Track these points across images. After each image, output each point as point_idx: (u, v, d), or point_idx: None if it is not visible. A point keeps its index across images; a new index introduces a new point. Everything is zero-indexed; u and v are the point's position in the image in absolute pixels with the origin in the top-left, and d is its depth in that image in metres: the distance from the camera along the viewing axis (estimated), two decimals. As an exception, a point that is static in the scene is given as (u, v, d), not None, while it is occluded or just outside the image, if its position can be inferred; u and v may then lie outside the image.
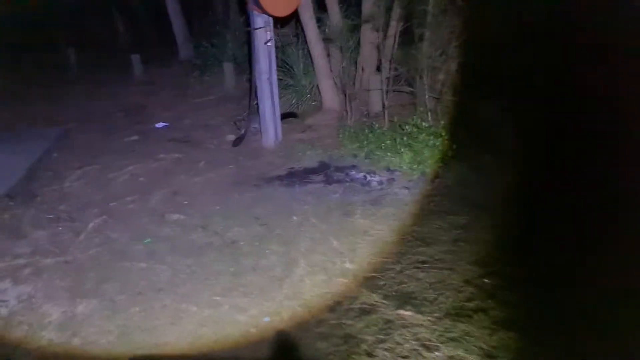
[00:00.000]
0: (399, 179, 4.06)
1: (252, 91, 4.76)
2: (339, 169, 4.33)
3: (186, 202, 3.93)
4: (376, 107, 5.57)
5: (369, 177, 4.10)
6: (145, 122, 6.40)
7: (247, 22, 8.18)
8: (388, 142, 4.61)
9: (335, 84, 5.70)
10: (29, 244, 3.33)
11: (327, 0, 5.43)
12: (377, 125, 5.01)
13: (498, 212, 3.35)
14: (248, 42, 5.30)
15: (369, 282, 2.70)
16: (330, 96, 5.66)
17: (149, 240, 3.31)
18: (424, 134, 4.55)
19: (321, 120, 5.54)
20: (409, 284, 2.68)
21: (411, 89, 5.21)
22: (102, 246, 3.27)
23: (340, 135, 5.03)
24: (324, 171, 4.32)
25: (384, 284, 2.69)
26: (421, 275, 2.75)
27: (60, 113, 6.98)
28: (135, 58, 9.32)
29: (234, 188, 4.15)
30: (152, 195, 4.05)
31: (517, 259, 2.86)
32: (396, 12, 4.84)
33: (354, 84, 5.78)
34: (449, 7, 4.74)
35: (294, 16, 5.22)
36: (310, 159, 4.60)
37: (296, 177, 4.28)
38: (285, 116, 5.33)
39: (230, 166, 4.63)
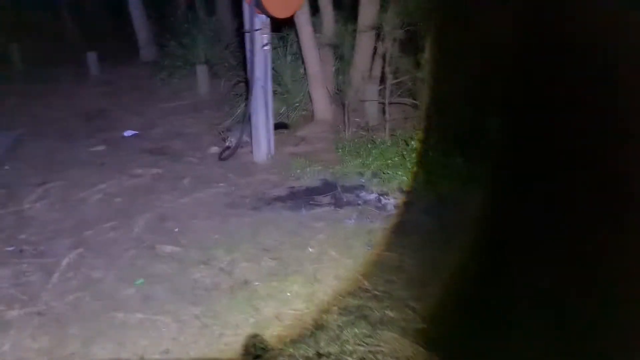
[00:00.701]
0: (415, 202, 3.69)
1: (249, 99, 4.24)
2: (347, 190, 3.91)
3: (177, 230, 3.37)
4: (372, 119, 5.20)
5: (383, 200, 3.71)
6: (110, 129, 5.70)
7: (241, 23, 7.85)
8: (395, 158, 4.25)
9: (329, 93, 5.29)
10: (-15, 288, 2.67)
11: (320, 3, 5.02)
12: (378, 140, 4.63)
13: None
14: (241, 44, 4.78)
15: (424, 335, 2.30)
16: (323, 106, 5.24)
17: (141, 281, 2.75)
18: (432, 151, 4.23)
19: (314, 132, 5.10)
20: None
21: (413, 101, 4.88)
22: (83, 290, 2.67)
23: (339, 150, 4.61)
24: (331, 192, 3.88)
25: (441, 337, 2.30)
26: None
27: (6, 116, 6.12)
28: (92, 56, 8.49)
29: (230, 211, 3.63)
30: (135, 221, 3.46)
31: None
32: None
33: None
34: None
35: (292, 18, 4.76)
36: (311, 177, 4.15)
37: (300, 198, 3.82)
38: (276, 127, 4.85)
39: (221, 184, 4.09)
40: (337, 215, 3.53)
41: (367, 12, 4.85)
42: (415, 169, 4.05)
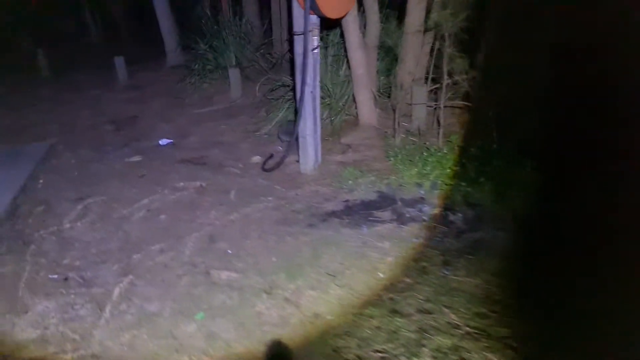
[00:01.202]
0: (488, 218, 3.35)
1: (301, 107, 3.93)
2: (408, 203, 3.59)
3: (230, 252, 3.09)
4: (421, 123, 4.86)
5: (451, 215, 3.37)
6: (143, 137, 5.47)
7: (270, 25, 7.56)
8: (455, 167, 3.91)
9: (374, 96, 4.97)
10: (33, 325, 2.42)
11: (365, 1, 4.69)
12: (433, 147, 4.30)
13: None
14: (290, 48, 4.48)
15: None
16: (368, 110, 4.92)
17: (201, 314, 2.48)
18: (495, 159, 3.88)
19: (360, 139, 4.78)
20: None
21: (467, 103, 4.54)
22: (139, 326, 2.41)
23: (391, 158, 4.29)
24: (390, 206, 3.57)
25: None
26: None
27: (37, 124, 5.95)
28: (119, 61, 8.30)
29: (284, 229, 3.34)
30: (184, 242, 3.19)
31: None
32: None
33: (388, 96, 5.08)
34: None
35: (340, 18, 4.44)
36: (365, 189, 3.83)
37: (357, 213, 3.51)
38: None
39: (269, 198, 3.80)
40: (402, 234, 3.21)
41: (416, 9, 4.52)
42: (480, 179, 3.71)
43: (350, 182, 3.99)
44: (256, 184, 4.07)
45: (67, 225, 3.45)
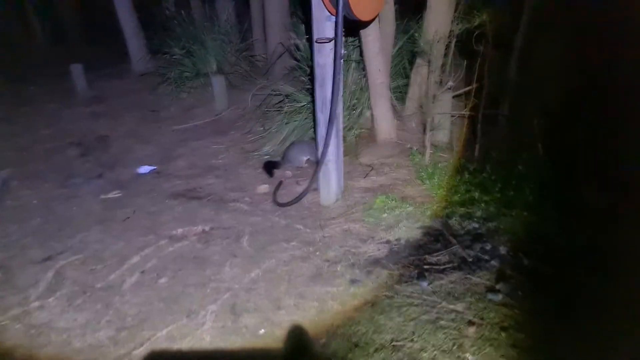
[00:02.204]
0: (574, 259, 2.74)
1: (330, 128, 3.20)
2: (465, 242, 2.96)
3: (264, 331, 2.35)
4: (445, 135, 4.24)
5: (525, 260, 2.75)
6: (119, 163, 4.61)
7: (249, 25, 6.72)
8: (508, 191, 3.30)
9: (393, 108, 4.30)
10: None
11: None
12: (472, 166, 3.68)
13: None
14: (311, 57, 3.73)
15: None
16: (388, 124, 4.27)
17: None
18: (553, 182, 3.31)
19: (382, 158, 4.12)
20: None
21: (504, 113, 3.93)
22: None
23: (426, 181, 3.64)
24: (445, 247, 2.92)
25: None
26: None
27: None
28: (76, 69, 7.26)
29: (322, 290, 2.64)
30: (199, 320, 2.44)
31: None
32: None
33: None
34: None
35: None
36: (406, 225, 3.18)
37: (406, 259, 2.85)
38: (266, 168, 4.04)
39: (292, 243, 3.08)
40: (474, 287, 2.57)
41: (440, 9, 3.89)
42: (541, 205, 3.10)
43: (385, 215, 3.32)
44: (272, 224, 3.33)
45: (36, 304, 2.63)
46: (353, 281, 2.69)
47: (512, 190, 3.33)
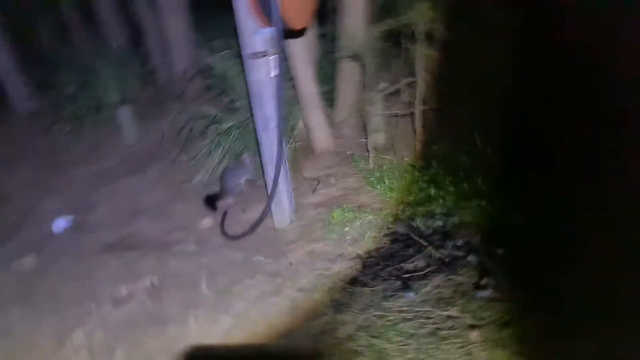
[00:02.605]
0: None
1: (280, 150, 2.95)
2: (435, 242, 2.88)
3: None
4: (381, 136, 4.20)
5: (499, 250, 2.74)
6: (25, 222, 4.01)
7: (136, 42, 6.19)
8: (461, 184, 3.32)
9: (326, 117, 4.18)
10: None
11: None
12: (417, 163, 3.66)
13: None
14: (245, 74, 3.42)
15: None
16: (324, 135, 4.13)
17: None
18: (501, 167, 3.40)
19: (324, 169, 3.97)
20: None
21: (436, 107, 3.96)
22: None
23: (377, 187, 3.55)
24: (418, 251, 2.83)
25: None
26: None
27: None
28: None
29: (305, 323, 2.40)
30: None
31: None
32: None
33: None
34: None
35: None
36: (371, 235, 3.05)
37: (384, 272, 2.72)
38: (207, 202, 3.76)
39: (258, 278, 2.82)
40: (460, 287, 2.51)
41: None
42: (499, 196, 3.15)
43: (346, 228, 3.16)
44: (228, 261, 3.02)
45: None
46: (336, 307, 2.49)
47: (464, 183, 3.33)
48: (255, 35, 2.77)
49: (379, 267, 2.75)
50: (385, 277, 2.63)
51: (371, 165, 3.83)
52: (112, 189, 4.37)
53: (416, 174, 3.52)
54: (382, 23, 3.51)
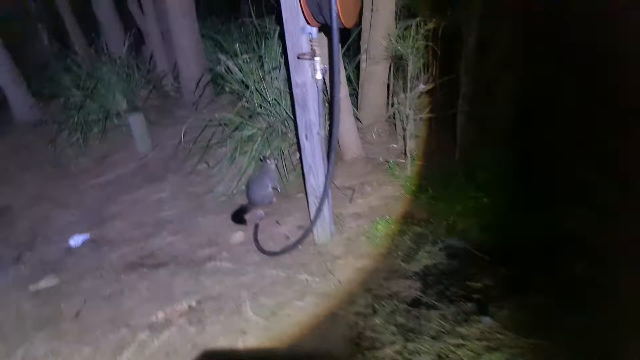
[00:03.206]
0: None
1: (331, 156, 2.70)
2: (502, 260, 2.65)
3: None
4: (410, 140, 3.99)
5: (578, 267, 2.53)
6: (39, 239, 3.73)
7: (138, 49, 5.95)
8: (517, 192, 3.11)
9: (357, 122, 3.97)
10: None
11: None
12: (461, 170, 3.46)
13: None
14: (288, 77, 3.18)
15: None
16: (353, 139, 3.92)
17: None
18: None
19: (358, 177, 3.75)
20: None
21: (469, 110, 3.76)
22: None
23: (421, 196, 3.33)
24: (482, 269, 2.60)
25: None
26: None
27: None
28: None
29: (373, 353, 2.16)
30: None
31: None
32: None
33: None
34: None
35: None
36: (426, 250, 2.82)
37: (448, 291, 2.49)
38: (235, 218, 3.50)
39: (307, 299, 2.58)
40: (542, 310, 2.27)
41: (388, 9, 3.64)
42: (562, 206, 2.94)
43: (395, 242, 2.93)
44: (271, 280, 2.77)
45: None
46: (404, 334, 2.25)
47: (517, 189, 3.13)
48: (301, 35, 2.53)
49: (441, 286, 2.52)
50: (453, 298, 2.40)
51: (409, 172, 3.61)
52: (129, 200, 4.10)
53: (462, 181, 3.30)
54: (423, 21, 3.29)
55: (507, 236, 2.82)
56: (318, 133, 2.79)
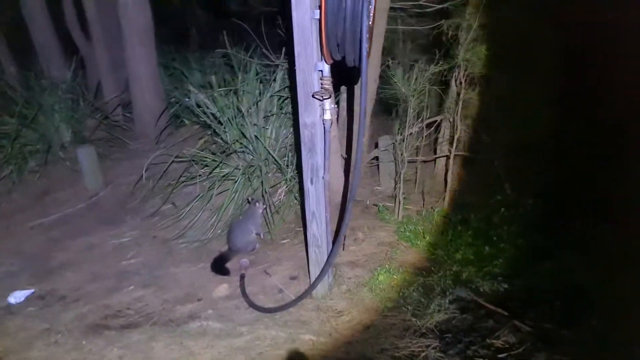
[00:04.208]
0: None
1: (349, 206, 2.46)
2: (518, 312, 2.54)
3: None
4: (387, 184, 3.91)
5: (594, 320, 2.46)
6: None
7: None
8: (518, 241, 3.05)
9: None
10: None
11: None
12: (457, 216, 3.37)
13: None
14: (295, 116, 2.90)
15: None
16: (342, 183, 3.72)
17: None
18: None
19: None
20: None
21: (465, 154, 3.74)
22: None
23: (417, 242, 3.19)
24: (503, 323, 2.47)
25: None
26: None
27: None
28: None
29: None
30: None
31: None
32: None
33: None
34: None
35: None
36: (436, 304, 2.63)
37: (469, 350, 2.31)
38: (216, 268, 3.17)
39: (317, 365, 2.27)
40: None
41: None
42: (566, 253, 2.91)
43: (400, 294, 2.73)
44: (271, 342, 2.45)
45: None
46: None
47: (518, 238, 3.07)
48: (313, 73, 2.34)
49: (461, 344, 2.33)
50: (477, 358, 2.21)
51: (400, 217, 3.46)
52: (81, 245, 3.59)
53: (459, 227, 3.19)
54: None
55: (514, 287, 2.71)
56: (323, 177, 2.56)
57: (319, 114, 2.44)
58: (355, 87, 3.56)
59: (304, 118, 2.43)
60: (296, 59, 2.32)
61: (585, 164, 3.18)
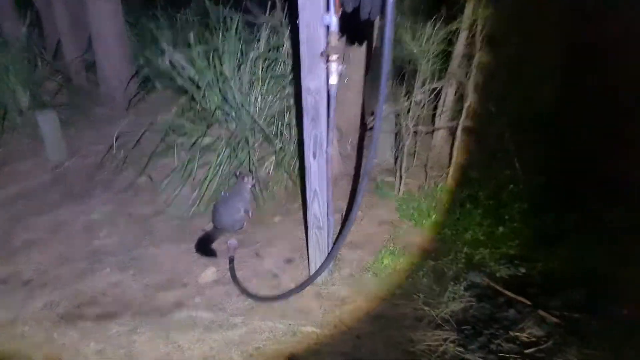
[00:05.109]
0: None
1: (362, 186, 2.16)
2: (540, 300, 2.34)
3: None
4: (386, 157, 3.64)
5: (622, 309, 2.29)
6: None
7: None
8: (532, 220, 2.85)
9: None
10: None
11: None
12: (465, 192, 3.14)
13: None
14: (296, 80, 2.53)
15: None
16: (336, 155, 3.44)
17: None
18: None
19: (342, 197, 3.26)
20: None
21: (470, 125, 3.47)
22: None
23: (422, 220, 2.95)
24: (524, 313, 2.27)
25: None
26: None
27: None
28: None
29: None
30: None
31: None
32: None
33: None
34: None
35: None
36: (451, 291, 2.42)
37: (491, 344, 2.10)
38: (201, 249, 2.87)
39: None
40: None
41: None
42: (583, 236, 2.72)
43: (409, 280, 2.50)
44: (269, 335, 2.18)
45: None
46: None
47: (530, 216, 2.86)
48: (319, 27, 1.99)
49: (482, 337, 2.12)
50: (502, 354, 2.00)
51: (400, 193, 3.20)
52: (47, 223, 3.20)
53: (467, 205, 2.96)
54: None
55: (532, 272, 2.51)
56: (327, 151, 2.25)
57: (323, 77, 2.10)
58: (357, 50, 3.22)
59: (307, 82, 2.09)
60: (300, 11, 1.97)
61: (599, 141, 2.98)
